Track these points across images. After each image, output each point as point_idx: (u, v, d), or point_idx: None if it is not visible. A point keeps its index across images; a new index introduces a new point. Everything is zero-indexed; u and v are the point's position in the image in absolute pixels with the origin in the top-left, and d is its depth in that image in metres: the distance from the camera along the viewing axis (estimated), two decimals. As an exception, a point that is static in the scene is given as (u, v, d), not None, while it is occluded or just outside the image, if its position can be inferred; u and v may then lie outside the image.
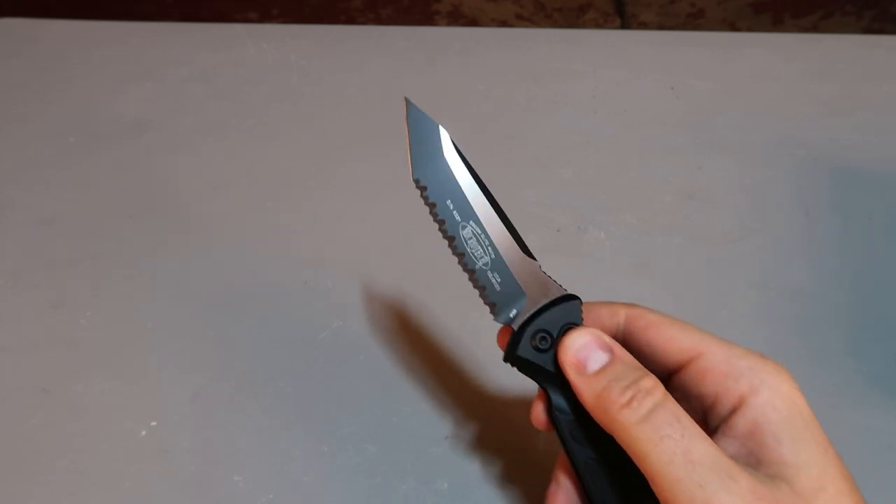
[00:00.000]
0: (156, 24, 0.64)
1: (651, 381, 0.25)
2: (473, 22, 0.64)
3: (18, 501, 0.37)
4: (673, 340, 0.27)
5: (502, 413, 0.40)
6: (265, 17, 0.65)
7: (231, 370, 0.42)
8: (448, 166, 0.29)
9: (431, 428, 0.39)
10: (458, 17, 0.65)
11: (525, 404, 0.40)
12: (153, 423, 0.40)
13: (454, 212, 0.29)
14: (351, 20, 0.65)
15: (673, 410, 0.24)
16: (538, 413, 0.29)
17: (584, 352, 0.26)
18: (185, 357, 0.43)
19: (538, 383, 0.29)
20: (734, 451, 0.25)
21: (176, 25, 0.63)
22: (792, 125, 0.54)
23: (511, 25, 0.64)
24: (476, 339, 0.42)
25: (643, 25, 0.63)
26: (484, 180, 0.30)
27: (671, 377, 0.28)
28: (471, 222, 0.29)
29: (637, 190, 0.50)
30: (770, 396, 0.25)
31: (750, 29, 0.63)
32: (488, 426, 0.39)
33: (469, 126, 0.54)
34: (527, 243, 0.30)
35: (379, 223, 0.49)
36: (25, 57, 0.62)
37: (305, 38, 0.62)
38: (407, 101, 0.29)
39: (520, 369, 0.29)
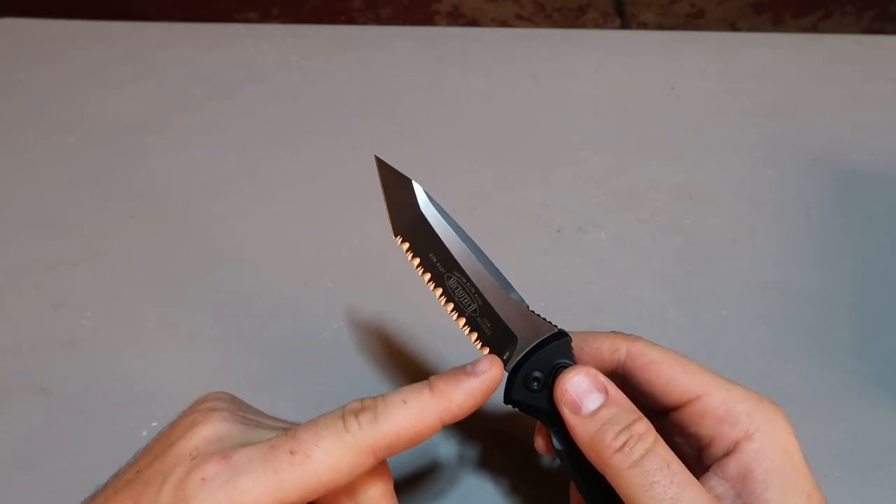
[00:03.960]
0: (156, 24, 0.64)
1: (644, 426, 0.26)
2: (473, 22, 0.64)
3: (18, 501, 0.37)
4: (673, 381, 0.28)
5: (502, 414, 0.40)
6: (265, 17, 0.65)
7: (231, 370, 0.42)
8: (426, 220, 0.29)
9: (431, 428, 0.39)
10: (458, 17, 0.65)
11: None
12: (153, 424, 0.40)
13: (437, 264, 0.29)
14: (351, 20, 0.65)
15: (664, 456, 0.25)
16: (542, 442, 0.30)
17: (579, 392, 0.27)
18: (185, 357, 0.43)
19: (538, 420, 0.29)
20: (722, 492, 0.26)
21: (176, 25, 0.63)
22: (792, 125, 0.54)
23: (511, 25, 0.64)
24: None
25: (643, 25, 0.63)
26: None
27: (668, 413, 0.29)
28: (455, 272, 0.29)
29: (637, 190, 0.50)
30: (763, 444, 0.26)
31: (750, 29, 0.63)
32: (488, 427, 0.39)
33: (469, 126, 0.54)
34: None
35: (379, 223, 0.49)
36: (25, 57, 0.62)
37: (305, 38, 0.62)
38: (378, 159, 0.29)
39: (518, 409, 0.29)
